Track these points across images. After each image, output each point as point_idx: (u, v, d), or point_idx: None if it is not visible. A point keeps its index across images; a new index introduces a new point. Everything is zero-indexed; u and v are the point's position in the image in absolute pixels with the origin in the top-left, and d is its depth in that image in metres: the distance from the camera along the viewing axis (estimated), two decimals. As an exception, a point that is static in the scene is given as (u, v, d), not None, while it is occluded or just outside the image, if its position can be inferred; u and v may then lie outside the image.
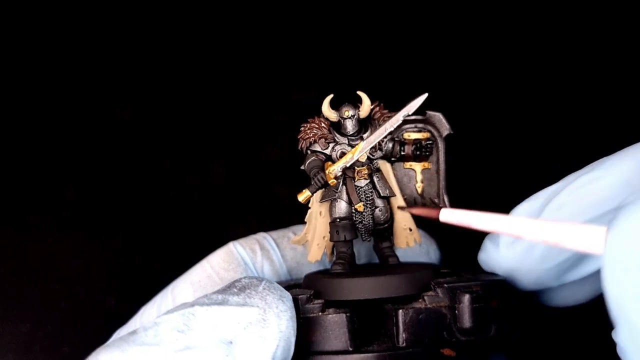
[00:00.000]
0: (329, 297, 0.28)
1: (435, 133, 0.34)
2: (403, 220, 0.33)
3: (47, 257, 0.51)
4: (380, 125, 0.31)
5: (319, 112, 0.32)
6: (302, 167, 0.32)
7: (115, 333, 0.35)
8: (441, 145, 0.34)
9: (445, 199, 0.34)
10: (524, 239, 0.26)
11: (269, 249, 0.36)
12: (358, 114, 0.31)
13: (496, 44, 0.56)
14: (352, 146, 0.32)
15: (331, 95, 0.32)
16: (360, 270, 0.32)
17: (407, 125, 0.34)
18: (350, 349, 0.27)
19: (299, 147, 0.32)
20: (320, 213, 0.33)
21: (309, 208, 0.33)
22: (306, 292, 0.28)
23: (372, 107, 0.32)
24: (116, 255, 0.52)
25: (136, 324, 0.34)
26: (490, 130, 0.55)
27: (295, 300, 0.27)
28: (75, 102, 0.55)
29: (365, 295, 0.28)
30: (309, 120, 0.32)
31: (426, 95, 0.31)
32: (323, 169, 0.31)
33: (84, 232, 0.52)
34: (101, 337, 0.35)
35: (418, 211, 0.31)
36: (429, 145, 0.33)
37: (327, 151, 0.32)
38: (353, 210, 0.32)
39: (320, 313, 0.27)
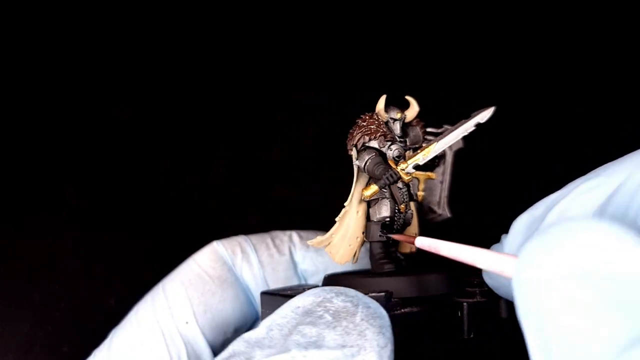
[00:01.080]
0: (397, 295, 0.28)
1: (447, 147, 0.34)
2: (413, 227, 0.34)
3: (47, 257, 0.51)
4: (424, 133, 0.32)
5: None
6: (357, 163, 0.31)
7: (111, 333, 0.35)
8: (450, 159, 0.34)
9: (447, 208, 0.35)
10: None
11: (249, 252, 0.36)
12: (404, 118, 0.32)
13: (497, 46, 0.56)
14: (406, 148, 0.32)
15: (385, 95, 0.32)
16: (405, 269, 0.32)
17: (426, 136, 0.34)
18: (430, 343, 0.28)
19: (354, 142, 0.31)
20: (357, 212, 0.32)
21: (343, 207, 0.32)
22: (377, 290, 0.28)
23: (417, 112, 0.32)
24: (116, 255, 0.52)
25: (131, 323, 0.34)
26: (489, 130, 0.55)
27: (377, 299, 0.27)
28: (75, 102, 0.55)
29: (436, 291, 0.30)
30: (363, 116, 0.32)
31: (494, 108, 0.32)
32: (386, 165, 0.31)
33: (84, 232, 0.52)
34: (101, 337, 0.35)
35: (397, 237, 0.32)
36: (437, 157, 0.33)
37: (384, 149, 0.32)
38: (397, 210, 0.32)
39: (402, 310, 0.28)
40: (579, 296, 0.17)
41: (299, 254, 0.37)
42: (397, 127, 0.32)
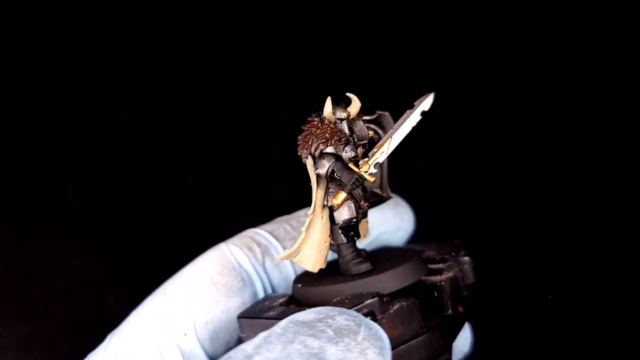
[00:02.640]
0: (384, 291, 0.29)
1: (381, 132, 0.34)
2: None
3: (47, 257, 0.51)
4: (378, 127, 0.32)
5: (318, 112, 0.32)
6: (319, 171, 0.31)
7: (108, 337, 0.34)
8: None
9: (388, 190, 0.35)
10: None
11: (266, 243, 0.35)
12: (349, 115, 0.32)
13: (496, 46, 0.56)
14: (357, 146, 0.31)
15: (330, 97, 0.31)
16: (377, 263, 0.32)
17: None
18: (424, 330, 0.28)
19: (310, 151, 0.31)
20: (322, 218, 0.32)
21: (307, 217, 0.32)
22: (368, 295, 0.28)
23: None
24: (116, 255, 0.52)
25: (128, 329, 0.33)
26: (489, 130, 0.55)
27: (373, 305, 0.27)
28: (75, 102, 0.55)
29: (415, 278, 0.30)
30: (311, 121, 0.31)
31: (433, 93, 0.32)
32: (349, 169, 0.31)
33: (84, 232, 0.52)
34: (101, 337, 0.35)
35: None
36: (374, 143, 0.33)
37: (340, 152, 0.31)
38: (359, 209, 0.32)
39: (394, 307, 0.28)
40: None
41: None
42: (345, 127, 0.31)
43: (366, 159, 0.31)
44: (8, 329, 0.49)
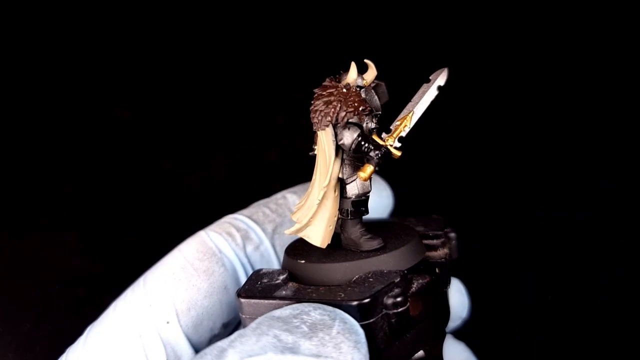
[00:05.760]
0: (402, 268, 0.28)
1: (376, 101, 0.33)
2: None
3: (47, 257, 0.51)
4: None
5: (334, 76, 0.30)
6: (343, 141, 0.29)
7: (87, 329, 0.33)
8: None
9: None
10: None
11: (246, 228, 0.34)
12: (364, 82, 0.30)
13: (496, 46, 0.56)
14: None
15: (354, 62, 0.30)
16: (384, 239, 0.31)
17: None
18: (433, 308, 0.29)
19: (336, 119, 0.28)
20: (335, 192, 0.30)
21: (321, 190, 0.29)
22: (394, 273, 0.27)
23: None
24: (116, 254, 0.52)
25: (108, 321, 0.32)
26: (489, 130, 0.55)
27: (403, 279, 0.27)
28: (75, 101, 0.55)
29: (422, 255, 0.30)
30: (334, 85, 0.29)
31: (447, 68, 0.31)
32: (375, 142, 0.29)
33: (84, 231, 0.52)
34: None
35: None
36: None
37: (362, 123, 0.29)
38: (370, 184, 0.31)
39: (415, 286, 0.28)
40: None
41: None
42: (363, 95, 0.29)
43: (390, 133, 0.30)
44: (8, 329, 0.49)
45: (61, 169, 0.54)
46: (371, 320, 0.26)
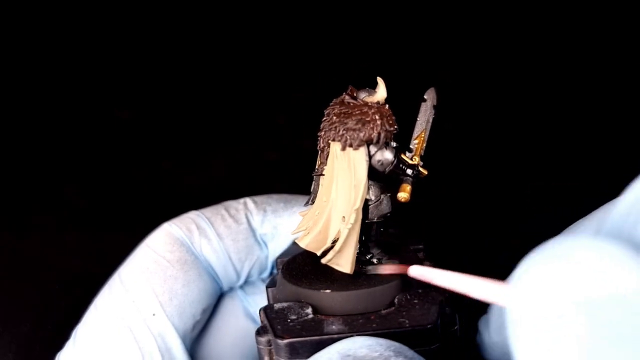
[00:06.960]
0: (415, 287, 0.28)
1: None
2: None
3: (47, 257, 0.51)
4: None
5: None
6: (381, 161, 0.28)
7: (73, 333, 0.33)
8: None
9: None
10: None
11: (205, 227, 0.35)
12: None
13: (496, 46, 0.56)
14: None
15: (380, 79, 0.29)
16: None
17: None
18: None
19: (376, 138, 0.27)
20: (361, 213, 0.29)
21: (353, 212, 0.28)
22: (437, 295, 0.27)
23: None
24: (116, 255, 0.52)
25: (94, 321, 0.32)
26: (488, 131, 0.55)
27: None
28: (75, 101, 0.55)
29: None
30: (360, 105, 0.28)
31: (433, 88, 0.31)
32: (405, 161, 0.29)
33: (84, 231, 0.52)
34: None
35: (389, 268, 0.30)
36: None
37: (390, 142, 0.28)
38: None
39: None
40: (579, 327, 0.15)
41: (256, 220, 0.36)
42: None
43: (413, 152, 0.30)
44: (8, 329, 0.49)
45: (61, 169, 0.54)
46: (438, 344, 0.25)
